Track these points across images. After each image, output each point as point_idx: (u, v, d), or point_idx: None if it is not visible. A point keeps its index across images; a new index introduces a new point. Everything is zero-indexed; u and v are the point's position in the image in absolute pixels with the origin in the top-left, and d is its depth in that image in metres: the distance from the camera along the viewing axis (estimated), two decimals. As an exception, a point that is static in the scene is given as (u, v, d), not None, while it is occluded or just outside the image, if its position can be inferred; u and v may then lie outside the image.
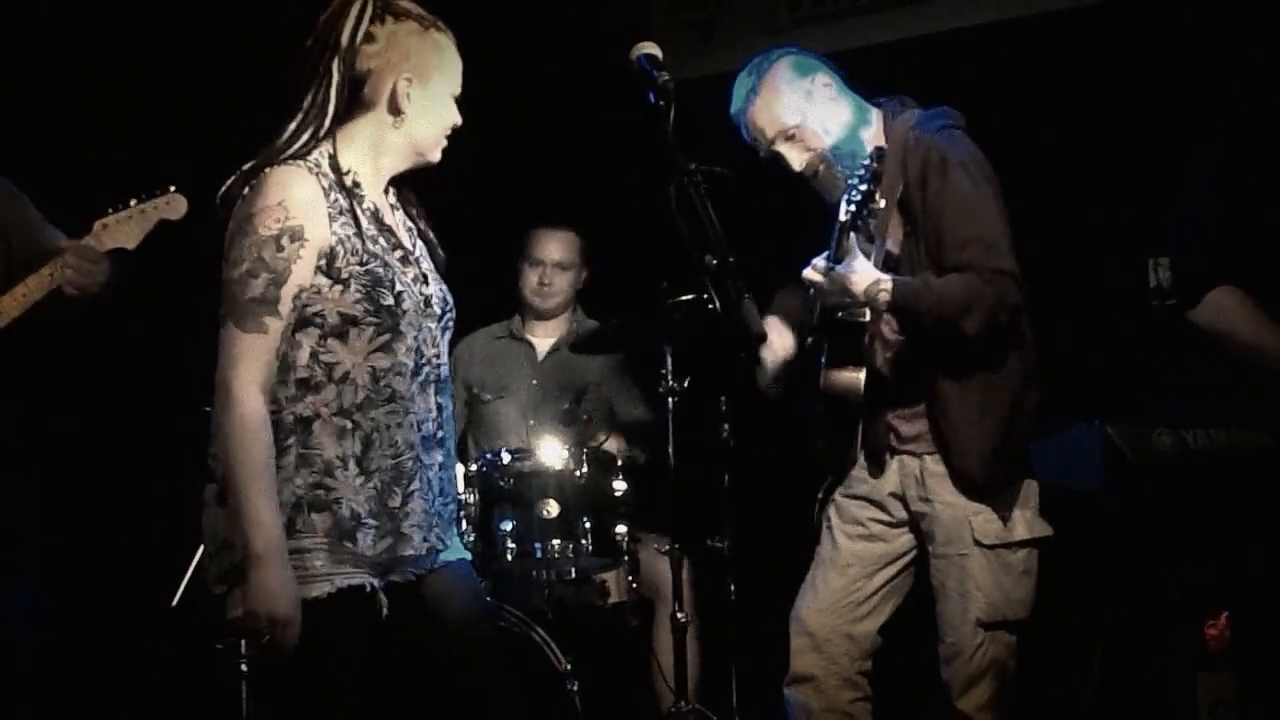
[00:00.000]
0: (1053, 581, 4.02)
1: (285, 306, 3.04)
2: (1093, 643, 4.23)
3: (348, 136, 3.18)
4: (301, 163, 3.12)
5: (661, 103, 3.25)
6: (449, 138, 3.25)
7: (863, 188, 3.78)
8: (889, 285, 3.80)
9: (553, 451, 4.79)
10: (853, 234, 3.82)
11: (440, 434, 3.19)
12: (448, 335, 3.27)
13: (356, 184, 3.16)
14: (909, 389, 3.97)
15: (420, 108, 3.18)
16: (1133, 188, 4.82)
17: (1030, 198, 4.00)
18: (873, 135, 4.01)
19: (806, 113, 3.97)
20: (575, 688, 4.66)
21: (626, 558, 4.89)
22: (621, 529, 4.83)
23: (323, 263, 3.06)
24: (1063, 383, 4.00)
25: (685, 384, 4.67)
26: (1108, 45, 5.07)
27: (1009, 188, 3.95)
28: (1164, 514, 3.66)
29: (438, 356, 3.20)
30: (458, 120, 3.25)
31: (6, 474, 3.99)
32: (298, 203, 3.06)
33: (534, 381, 5.46)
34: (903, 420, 4.00)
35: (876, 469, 4.06)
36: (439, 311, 3.23)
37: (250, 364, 3.02)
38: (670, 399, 4.64)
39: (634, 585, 5.00)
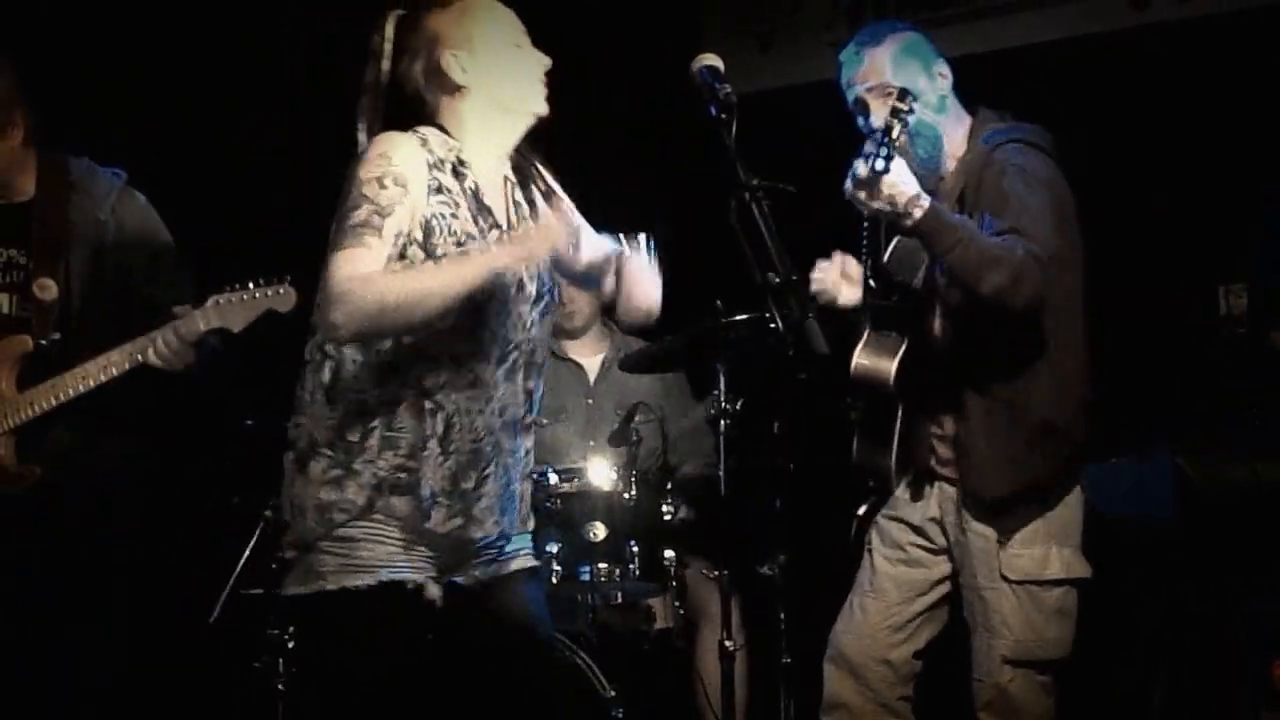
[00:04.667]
0: (1117, 613, 3.92)
1: (389, 233, 3.08)
2: (1157, 676, 4.14)
3: (448, 121, 3.24)
4: (412, 133, 3.18)
5: (723, 115, 3.20)
6: (549, 81, 3.26)
7: (880, 138, 3.67)
8: (926, 204, 3.68)
9: (601, 473, 4.72)
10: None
11: (528, 419, 3.25)
12: (548, 316, 3.29)
13: (461, 161, 3.21)
14: (949, 406, 3.89)
15: (483, 73, 3.23)
16: (1203, 214, 4.74)
17: (1098, 223, 3.91)
18: (956, 135, 3.95)
19: (915, 82, 3.87)
20: (620, 715, 4.61)
21: (674, 582, 4.84)
22: (669, 553, 4.77)
23: (419, 234, 3.11)
24: (1132, 411, 3.91)
25: (738, 406, 4.58)
26: (1175, 67, 4.99)
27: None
28: (1234, 546, 3.57)
29: (529, 341, 3.23)
30: (541, 62, 3.28)
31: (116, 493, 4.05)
32: (401, 157, 3.12)
33: (589, 402, 5.39)
34: (942, 441, 3.93)
35: (917, 490, 4.00)
36: (534, 293, 3.25)
37: (358, 262, 3.03)
38: (723, 421, 4.55)
39: (681, 611, 4.94)
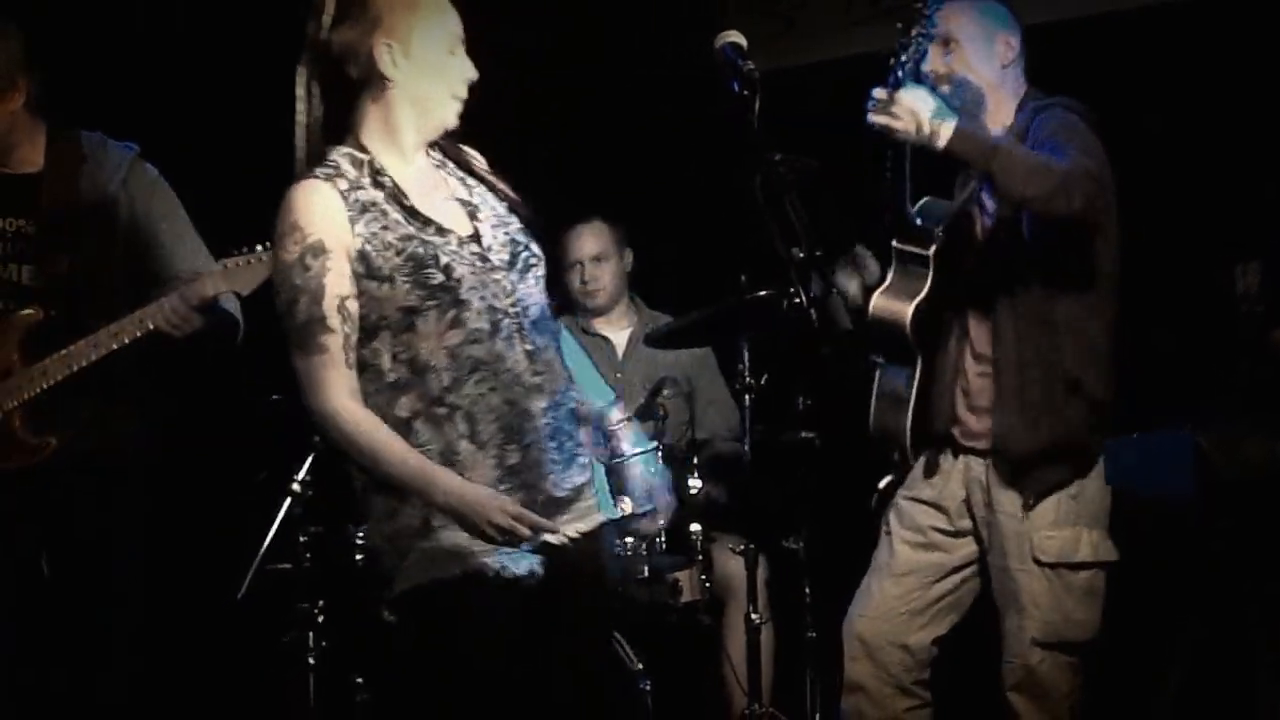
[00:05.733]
0: (1136, 590, 3.93)
1: (335, 319, 3.04)
2: (1175, 653, 4.15)
3: (362, 121, 3.14)
4: (317, 171, 3.09)
5: (746, 92, 3.20)
6: (469, 97, 3.16)
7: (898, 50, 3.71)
8: (952, 124, 3.66)
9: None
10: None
11: (538, 380, 3.13)
12: (532, 273, 3.19)
13: (377, 169, 3.12)
14: (980, 374, 3.90)
15: (412, 70, 3.11)
16: (1220, 191, 4.74)
17: (1119, 199, 3.91)
18: (1005, 105, 3.94)
19: (977, 44, 3.88)
20: (647, 687, 4.62)
21: (700, 557, 4.84)
22: (696, 527, 4.78)
23: (360, 267, 3.05)
24: (1149, 388, 3.91)
25: (763, 380, 4.60)
26: (1197, 43, 4.97)
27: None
28: (1252, 524, 3.58)
29: (515, 305, 3.13)
30: (469, 74, 3.16)
31: (129, 472, 4.04)
32: (312, 219, 3.05)
33: (617, 376, 5.40)
34: (971, 413, 3.93)
35: (938, 467, 3.98)
36: (507, 258, 3.16)
37: (327, 383, 3.05)
38: (747, 395, 4.57)
39: (707, 585, 4.94)
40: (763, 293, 4.44)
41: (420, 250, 3.06)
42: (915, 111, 3.65)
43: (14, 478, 3.89)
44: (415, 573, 3.07)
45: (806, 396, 4.72)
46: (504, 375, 3.10)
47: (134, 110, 4.80)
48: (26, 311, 3.92)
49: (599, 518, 3.24)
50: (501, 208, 3.23)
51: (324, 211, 3.05)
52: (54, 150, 4.02)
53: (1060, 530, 3.82)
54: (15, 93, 3.96)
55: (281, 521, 4.91)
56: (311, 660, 4.82)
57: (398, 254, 3.05)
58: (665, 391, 4.93)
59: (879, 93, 3.67)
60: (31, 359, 3.89)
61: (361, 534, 4.92)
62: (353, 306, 3.05)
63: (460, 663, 3.07)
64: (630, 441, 3.37)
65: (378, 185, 3.11)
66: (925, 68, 3.87)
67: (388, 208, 3.09)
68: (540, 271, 3.21)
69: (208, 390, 5.44)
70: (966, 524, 3.96)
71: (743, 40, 3.29)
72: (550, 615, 3.12)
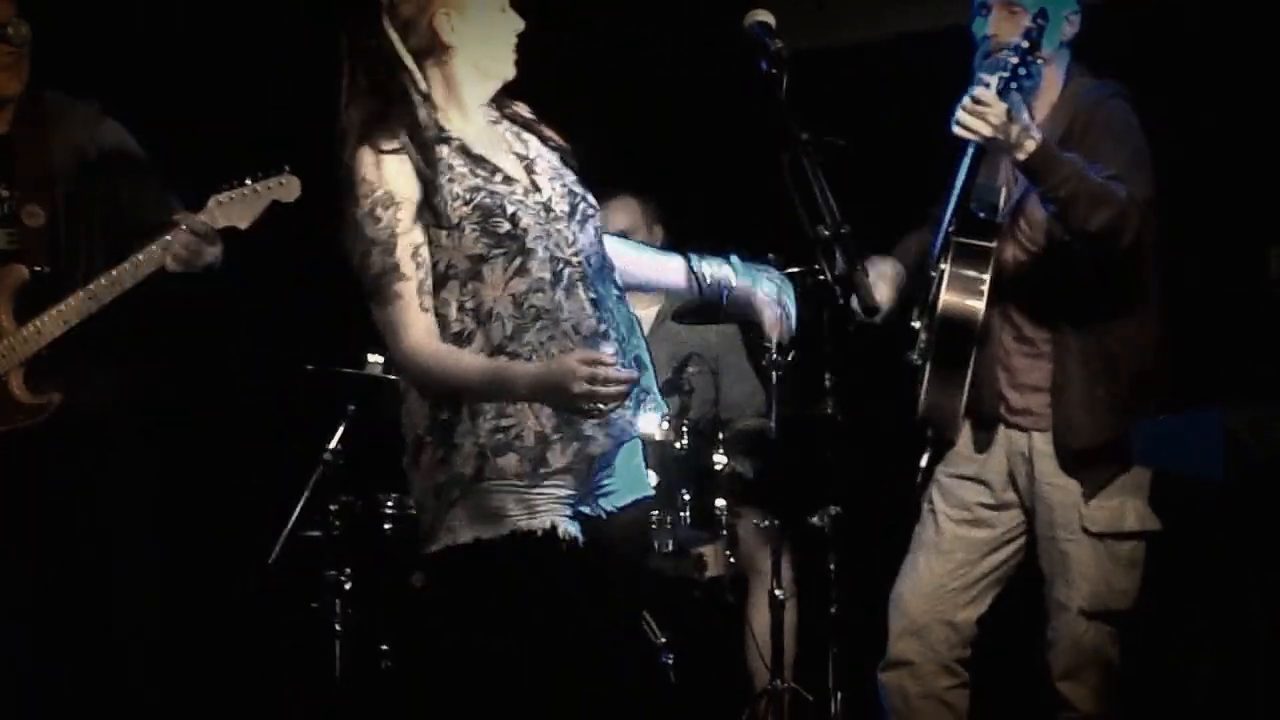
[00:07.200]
0: (1169, 574, 3.93)
1: (408, 266, 3.13)
2: (1209, 637, 4.15)
3: (428, 77, 3.24)
4: (379, 129, 3.17)
5: (775, 71, 3.22)
6: (519, 45, 3.28)
7: (1015, 59, 3.67)
8: (1038, 138, 3.66)
9: (653, 422, 4.74)
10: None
11: (603, 327, 3.22)
12: (590, 224, 3.29)
13: (440, 125, 3.22)
14: (1024, 354, 3.90)
15: (469, 34, 3.23)
16: (1253, 173, 4.71)
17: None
18: (1054, 81, 3.92)
19: (1046, 10, 3.80)
20: (670, 662, 4.63)
21: (725, 532, 4.85)
22: (721, 502, 4.79)
23: (429, 217, 3.14)
24: (1181, 370, 3.91)
25: (790, 357, 4.61)
26: (1230, 24, 4.94)
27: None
28: (1262, 512, 3.57)
29: (577, 254, 3.23)
30: (518, 25, 3.29)
31: (119, 439, 4.01)
32: (380, 174, 3.14)
33: (644, 351, 5.41)
34: (1014, 390, 3.92)
35: (983, 442, 3.98)
36: (567, 209, 3.26)
37: (406, 329, 3.13)
38: (774, 372, 4.58)
39: (732, 560, 4.95)
40: (790, 270, 4.44)
41: (488, 200, 3.16)
42: (1008, 123, 3.64)
43: (9, 447, 3.85)
44: (460, 529, 3.13)
45: (832, 373, 4.73)
46: (564, 324, 3.18)
47: (97, 71, 4.76)
48: (9, 271, 3.87)
49: (632, 495, 3.30)
50: (554, 159, 3.33)
51: (390, 166, 3.14)
52: (21, 112, 3.98)
53: (1109, 500, 3.84)
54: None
55: (312, 490, 4.96)
56: (338, 627, 4.86)
57: (465, 204, 3.15)
58: (690, 368, 4.95)
59: (982, 93, 3.64)
60: (20, 320, 3.85)
61: (391, 503, 4.97)
62: (425, 253, 3.14)
63: (495, 628, 3.10)
64: None
65: (443, 140, 3.20)
66: (987, 31, 3.86)
67: (454, 161, 3.19)
68: (597, 222, 3.32)
69: (243, 360, 5.50)
70: (1011, 496, 3.97)
71: (771, 19, 3.30)
72: (592, 585, 3.16)
